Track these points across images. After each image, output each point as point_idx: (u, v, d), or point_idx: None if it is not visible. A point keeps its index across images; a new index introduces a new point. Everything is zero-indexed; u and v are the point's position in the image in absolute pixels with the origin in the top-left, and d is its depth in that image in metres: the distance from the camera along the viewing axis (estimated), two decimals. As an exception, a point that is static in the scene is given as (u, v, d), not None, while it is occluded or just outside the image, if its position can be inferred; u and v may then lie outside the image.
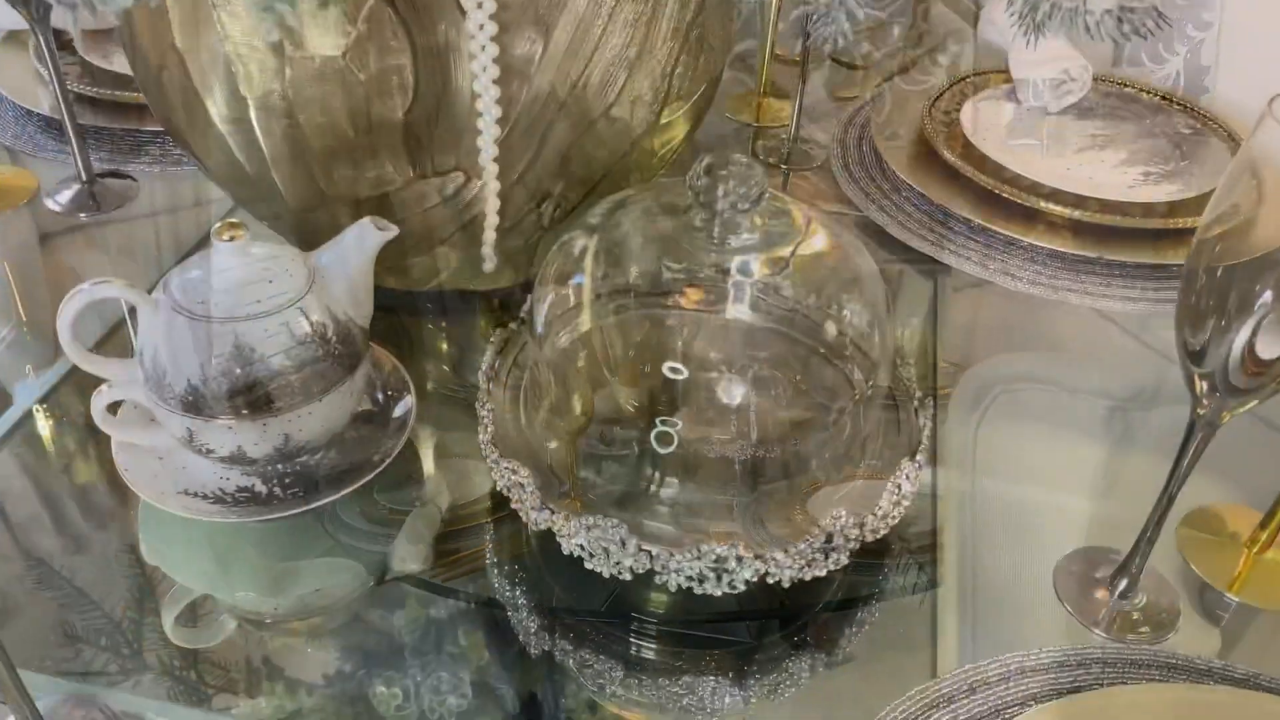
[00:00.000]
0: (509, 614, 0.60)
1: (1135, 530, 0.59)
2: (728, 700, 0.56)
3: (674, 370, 0.58)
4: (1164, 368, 0.78)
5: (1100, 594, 0.60)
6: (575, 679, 0.57)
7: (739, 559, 0.53)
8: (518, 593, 0.61)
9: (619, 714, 0.56)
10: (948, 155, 0.92)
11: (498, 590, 0.61)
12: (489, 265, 0.74)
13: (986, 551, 0.63)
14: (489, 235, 0.72)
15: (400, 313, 0.80)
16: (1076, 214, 0.86)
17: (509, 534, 0.64)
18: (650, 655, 0.58)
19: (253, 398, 0.56)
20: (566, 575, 0.61)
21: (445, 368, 0.77)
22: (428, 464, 0.69)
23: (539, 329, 0.61)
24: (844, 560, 0.56)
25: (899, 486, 0.57)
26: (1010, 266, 0.84)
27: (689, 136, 0.79)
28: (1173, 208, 0.88)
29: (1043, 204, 0.87)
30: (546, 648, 0.58)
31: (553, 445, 0.61)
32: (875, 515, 0.56)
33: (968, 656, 0.56)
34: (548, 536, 0.57)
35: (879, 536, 0.57)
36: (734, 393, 0.60)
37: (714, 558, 0.53)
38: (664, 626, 0.60)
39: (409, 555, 0.63)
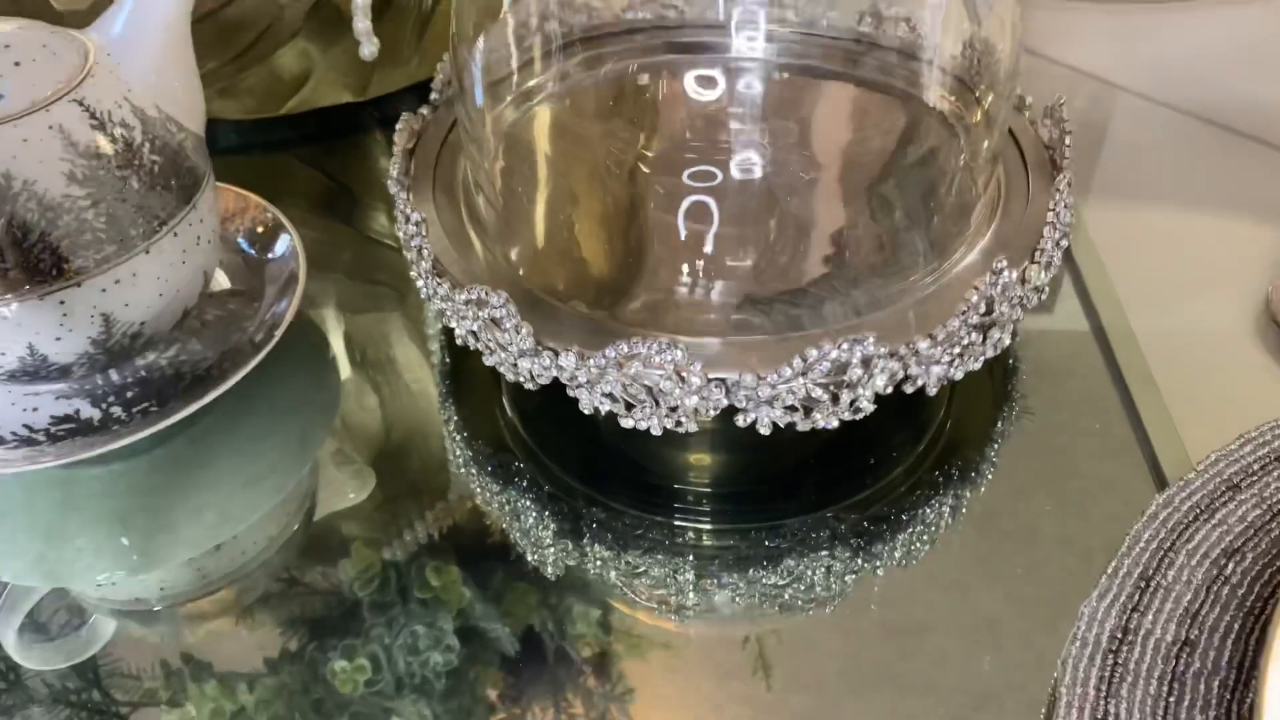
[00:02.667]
0: (494, 527, 0.40)
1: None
2: (849, 580, 0.37)
3: (705, 84, 0.37)
4: None
5: (1343, 324, 0.42)
6: (618, 596, 0.37)
7: (866, 361, 0.34)
8: (506, 497, 0.40)
9: (662, 629, 0.36)
10: None
11: (479, 497, 0.41)
12: (368, 50, 0.51)
13: (1159, 297, 0.45)
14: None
15: (253, 152, 0.57)
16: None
17: (474, 415, 0.44)
18: (727, 541, 0.39)
19: (30, 257, 0.34)
20: (570, 455, 0.41)
21: (330, 212, 0.55)
22: (336, 339, 0.47)
23: (477, 96, 0.39)
24: (1006, 340, 0.37)
25: (1057, 215, 0.38)
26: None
27: None
28: None
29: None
30: (567, 563, 0.38)
31: (523, 261, 0.40)
32: (1039, 261, 0.37)
33: (1198, 446, 0.38)
34: (543, 402, 0.37)
35: (1045, 294, 0.38)
36: (786, 132, 0.39)
37: (827, 367, 0.33)
38: (732, 496, 0.40)
39: (338, 481, 0.42)
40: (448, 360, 0.47)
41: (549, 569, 0.38)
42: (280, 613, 0.39)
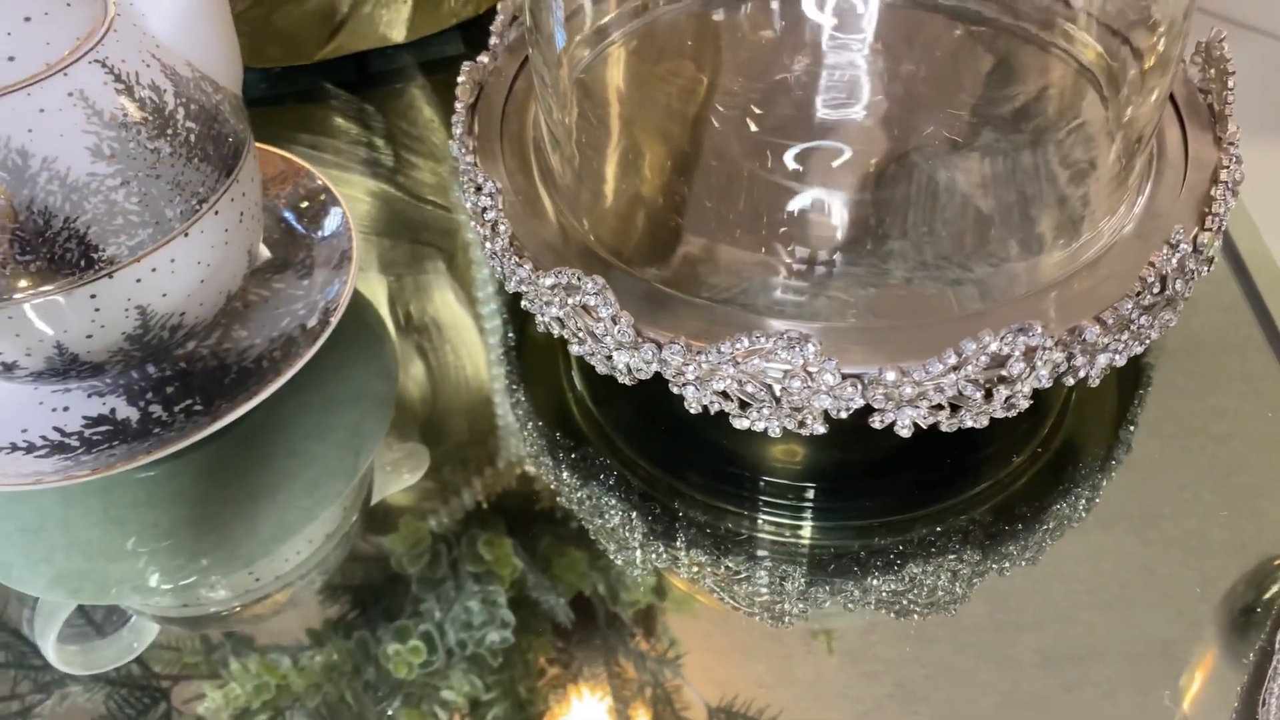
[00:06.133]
0: (545, 494, 0.36)
1: None
2: (976, 585, 0.33)
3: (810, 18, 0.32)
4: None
5: None
6: (721, 604, 0.33)
7: (1029, 353, 0.29)
8: (587, 492, 0.36)
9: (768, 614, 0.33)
10: None
11: (538, 466, 0.37)
12: (413, -13, 0.46)
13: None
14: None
15: (286, 103, 0.52)
16: None
17: (539, 392, 0.39)
18: (838, 539, 0.35)
19: (55, 248, 0.29)
20: (650, 439, 0.37)
21: (371, 168, 0.49)
22: (385, 309, 0.43)
23: (558, 39, 0.34)
24: (1175, 320, 0.32)
25: (1229, 171, 0.33)
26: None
27: None
28: None
29: None
30: (657, 565, 0.34)
31: (603, 227, 0.35)
32: (1210, 228, 0.32)
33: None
34: (621, 396, 0.33)
35: (1214, 264, 0.33)
36: (908, 84, 0.34)
37: (985, 361, 0.29)
38: (830, 491, 0.36)
39: (393, 462, 0.38)
40: (511, 335, 0.42)
41: (636, 571, 0.34)
42: (332, 592, 0.35)
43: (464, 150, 0.36)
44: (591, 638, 0.33)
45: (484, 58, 0.40)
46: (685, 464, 0.36)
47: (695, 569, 0.34)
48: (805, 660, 0.31)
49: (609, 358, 0.32)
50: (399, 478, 0.38)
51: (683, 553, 0.35)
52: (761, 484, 0.36)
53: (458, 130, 0.37)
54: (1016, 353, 0.29)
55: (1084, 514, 0.34)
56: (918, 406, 0.30)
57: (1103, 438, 0.36)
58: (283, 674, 0.34)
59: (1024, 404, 0.30)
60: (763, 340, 0.29)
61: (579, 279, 0.31)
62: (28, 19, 0.29)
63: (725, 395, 0.31)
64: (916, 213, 0.34)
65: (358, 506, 0.37)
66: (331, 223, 0.38)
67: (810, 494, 0.36)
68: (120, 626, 0.35)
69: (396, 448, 0.39)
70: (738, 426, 0.31)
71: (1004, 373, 0.29)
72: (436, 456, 0.38)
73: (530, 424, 0.39)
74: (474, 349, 0.42)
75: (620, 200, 0.37)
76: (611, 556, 0.35)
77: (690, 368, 0.30)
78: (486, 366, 0.41)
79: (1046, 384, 0.30)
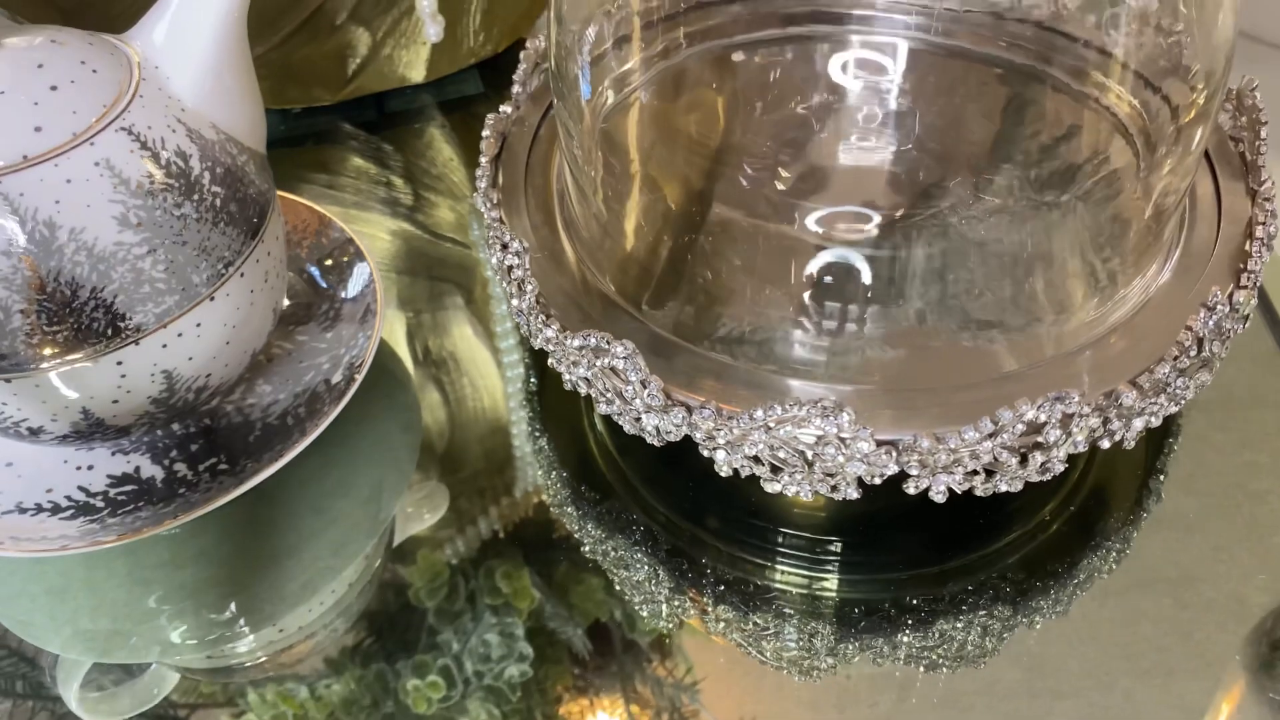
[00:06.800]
0: (561, 527, 0.36)
1: None
2: (1006, 640, 0.33)
3: (835, 72, 0.32)
4: None
5: None
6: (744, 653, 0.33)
7: (1066, 420, 0.28)
8: (611, 544, 0.36)
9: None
10: None
11: (563, 517, 0.37)
12: (433, 31, 0.46)
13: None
14: (425, -24, 0.44)
15: (306, 144, 0.51)
16: None
17: (562, 444, 0.39)
18: (866, 593, 0.34)
19: (82, 318, 0.29)
20: (671, 484, 0.37)
21: (389, 207, 0.49)
22: (407, 356, 0.42)
23: (583, 89, 0.34)
24: (1209, 380, 0.32)
25: (1265, 226, 0.33)
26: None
27: None
28: None
29: None
30: (683, 618, 0.34)
31: (630, 281, 0.35)
32: (1246, 285, 0.32)
33: None
34: (644, 444, 0.32)
35: (1249, 321, 0.33)
36: (941, 137, 0.34)
37: (1022, 429, 0.28)
38: (859, 544, 0.36)
39: (414, 503, 0.38)
40: (532, 380, 0.42)
41: (661, 624, 0.34)
42: (350, 625, 0.35)
43: (489, 205, 0.36)
44: (609, 664, 0.33)
45: (507, 107, 0.39)
46: (710, 515, 0.36)
47: (722, 624, 0.34)
48: (839, 727, 0.31)
49: (638, 419, 0.32)
50: (420, 518, 0.38)
51: (709, 607, 0.34)
52: (788, 537, 0.36)
53: (482, 184, 0.36)
54: (1053, 420, 0.28)
55: (1114, 567, 0.34)
56: (952, 473, 0.29)
57: (1133, 491, 0.36)
58: (300, 704, 0.34)
59: (1059, 468, 0.30)
60: (796, 408, 0.28)
61: (608, 342, 0.30)
62: (54, 88, 0.29)
63: (756, 460, 0.30)
64: (946, 270, 0.34)
65: (380, 553, 0.37)
66: (356, 282, 0.38)
67: (837, 548, 0.35)
68: (141, 674, 0.35)
69: (417, 488, 0.38)
70: (769, 490, 0.31)
71: (1040, 439, 0.29)
72: (453, 491, 0.38)
73: (554, 473, 0.38)
74: (494, 388, 0.42)
75: (644, 253, 0.36)
76: (637, 608, 0.34)
77: (721, 433, 0.30)
78: (506, 405, 0.41)
79: (1082, 449, 0.30)
